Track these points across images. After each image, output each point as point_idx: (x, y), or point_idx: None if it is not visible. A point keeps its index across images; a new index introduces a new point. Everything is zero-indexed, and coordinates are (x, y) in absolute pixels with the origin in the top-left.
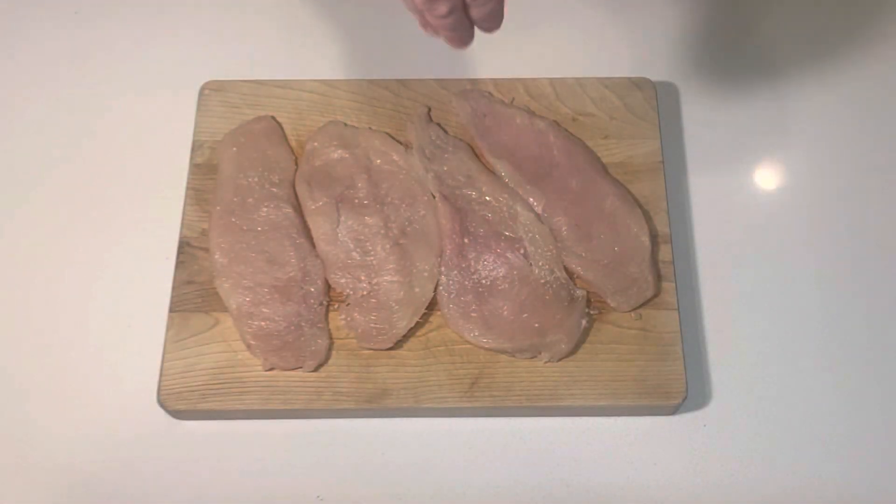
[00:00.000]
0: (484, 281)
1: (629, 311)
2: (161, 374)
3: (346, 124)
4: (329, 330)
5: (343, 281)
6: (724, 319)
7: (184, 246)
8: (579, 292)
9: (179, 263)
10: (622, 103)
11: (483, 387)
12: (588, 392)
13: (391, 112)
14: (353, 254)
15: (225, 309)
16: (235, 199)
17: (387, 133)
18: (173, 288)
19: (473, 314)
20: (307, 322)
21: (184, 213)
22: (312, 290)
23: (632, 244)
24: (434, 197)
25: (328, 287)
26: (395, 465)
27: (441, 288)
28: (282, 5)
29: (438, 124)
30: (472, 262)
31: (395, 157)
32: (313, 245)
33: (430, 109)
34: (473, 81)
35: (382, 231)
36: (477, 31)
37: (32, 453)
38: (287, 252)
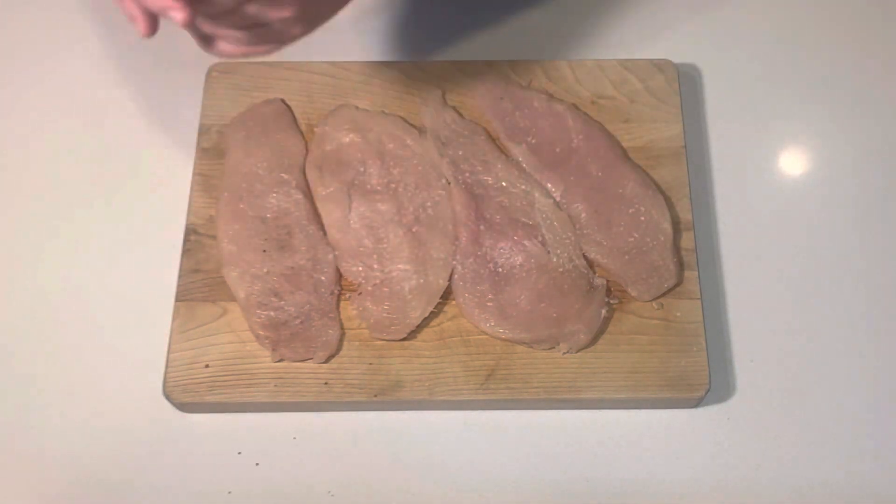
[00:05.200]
0: (500, 269)
1: (650, 301)
2: (167, 366)
3: (357, 107)
4: (340, 320)
5: (355, 269)
6: (749, 309)
7: (190, 233)
8: (599, 281)
9: (186, 251)
10: (643, 86)
11: (499, 379)
12: (608, 384)
13: (405, 95)
14: (366, 241)
15: (233, 298)
16: (244, 185)
17: (400, 117)
18: (179, 276)
19: (489, 304)
20: (318, 312)
21: (190, 200)
22: (323, 278)
23: (653, 231)
24: (449, 183)
25: (339, 276)
26: (408, 459)
27: (456, 276)
28: None
29: (453, 108)
30: (488, 250)
31: (409, 142)
32: (324, 232)
33: (444, 92)
34: (490, 63)
35: (395, 218)
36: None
37: (35, 446)
38: (297, 239)
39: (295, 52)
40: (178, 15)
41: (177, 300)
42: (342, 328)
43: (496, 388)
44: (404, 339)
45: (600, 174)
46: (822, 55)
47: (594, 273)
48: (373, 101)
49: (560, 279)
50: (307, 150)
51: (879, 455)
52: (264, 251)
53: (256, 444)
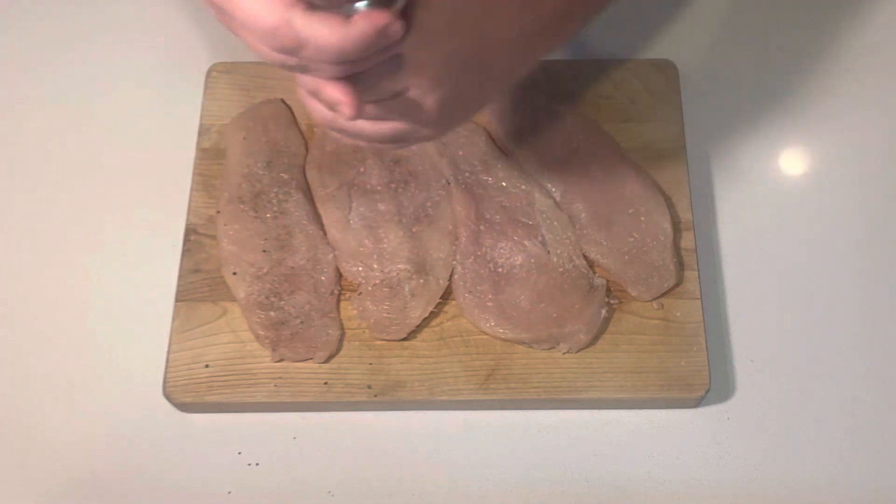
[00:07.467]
0: (500, 269)
1: (650, 301)
2: (167, 366)
3: None
4: (340, 320)
5: (355, 269)
6: (749, 309)
7: (190, 233)
8: (599, 281)
9: (186, 251)
10: (643, 86)
11: (499, 379)
12: (608, 384)
13: None
14: (366, 241)
15: (233, 298)
16: (244, 185)
17: None
18: (179, 276)
19: (489, 304)
20: (318, 312)
21: (190, 200)
22: (323, 278)
23: (653, 231)
24: (449, 183)
25: (339, 276)
26: (408, 459)
27: (456, 276)
28: None
29: None
30: (488, 250)
31: None
32: (324, 232)
33: None
34: None
35: (395, 218)
36: None
37: (36, 445)
38: (297, 239)
39: None
40: (347, 111)
41: (177, 300)
42: (342, 328)
43: (496, 388)
44: (404, 339)
45: (600, 174)
46: (822, 55)
47: (594, 273)
48: None
49: (560, 279)
50: (307, 149)
51: (879, 454)
52: (264, 251)
53: (256, 444)
